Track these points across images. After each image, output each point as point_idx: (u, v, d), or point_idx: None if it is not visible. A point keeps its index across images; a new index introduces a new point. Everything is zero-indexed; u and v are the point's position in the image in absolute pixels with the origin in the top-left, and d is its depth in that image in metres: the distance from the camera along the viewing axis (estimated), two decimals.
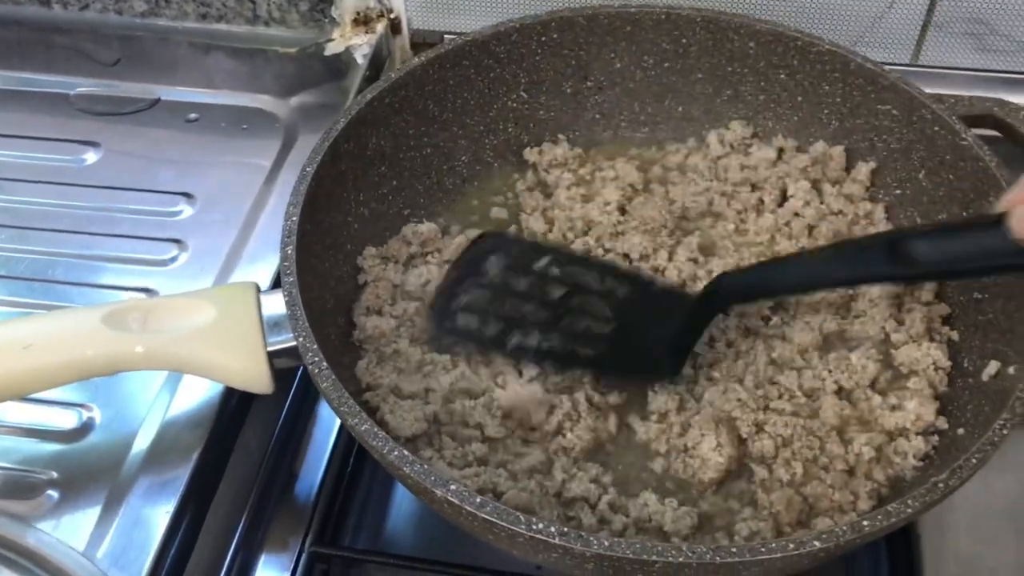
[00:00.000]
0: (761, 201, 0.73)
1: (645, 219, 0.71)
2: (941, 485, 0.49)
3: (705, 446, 0.59)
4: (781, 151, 0.76)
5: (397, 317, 0.67)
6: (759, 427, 0.60)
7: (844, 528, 0.47)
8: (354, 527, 0.66)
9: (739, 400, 0.61)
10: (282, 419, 0.69)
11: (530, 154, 0.77)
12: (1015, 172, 0.64)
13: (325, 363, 0.54)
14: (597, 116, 0.79)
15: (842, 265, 0.59)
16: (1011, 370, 0.57)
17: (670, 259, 0.70)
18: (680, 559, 0.47)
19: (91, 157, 0.81)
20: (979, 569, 0.62)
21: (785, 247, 0.70)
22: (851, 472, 0.59)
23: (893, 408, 0.61)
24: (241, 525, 0.64)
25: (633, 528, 0.57)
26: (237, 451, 0.64)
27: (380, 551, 0.65)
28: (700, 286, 0.67)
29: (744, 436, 0.60)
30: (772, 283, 0.62)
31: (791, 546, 0.47)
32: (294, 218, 0.61)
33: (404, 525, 0.67)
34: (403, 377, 0.63)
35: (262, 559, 0.63)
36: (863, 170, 0.73)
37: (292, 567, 0.62)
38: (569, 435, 0.60)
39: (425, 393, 0.63)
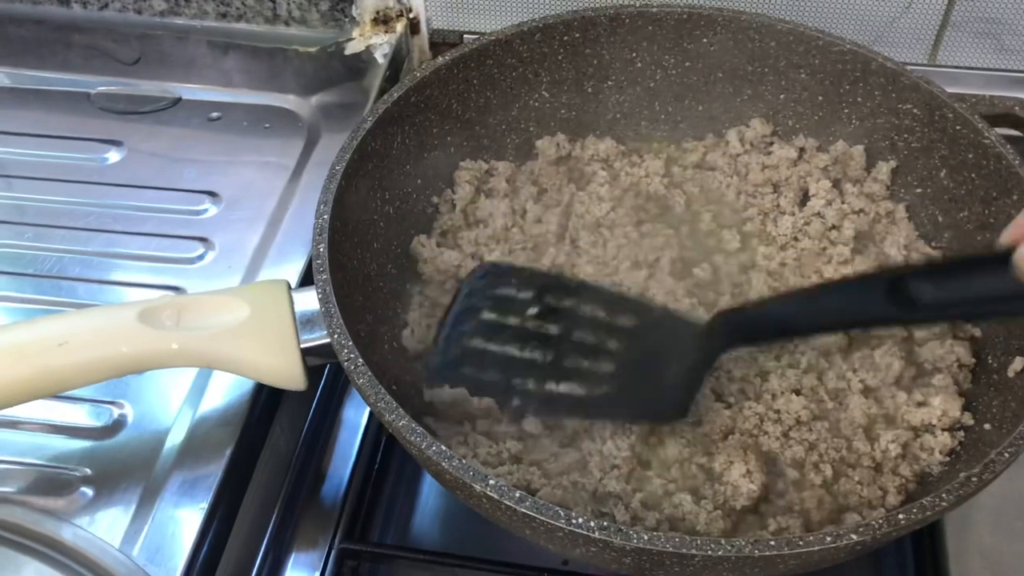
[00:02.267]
0: (779, 203, 0.73)
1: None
2: (975, 479, 0.50)
3: (735, 473, 0.58)
4: (802, 150, 0.76)
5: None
6: (786, 436, 0.61)
7: (880, 521, 0.48)
8: (382, 523, 0.66)
9: (759, 416, 0.62)
10: (310, 416, 0.69)
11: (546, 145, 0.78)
12: None
13: (361, 359, 0.54)
14: (618, 115, 0.80)
15: (840, 307, 0.56)
16: None
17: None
18: (719, 552, 0.47)
19: (114, 156, 0.81)
20: (1004, 562, 0.63)
21: (807, 246, 0.71)
22: (878, 469, 0.60)
23: (919, 404, 0.62)
24: (272, 522, 0.64)
25: (667, 524, 0.57)
26: (267, 449, 0.65)
27: (409, 547, 0.65)
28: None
29: (773, 451, 0.60)
30: (768, 326, 0.59)
31: (828, 539, 0.47)
32: (325, 216, 0.61)
33: (431, 521, 0.67)
34: None
35: (293, 555, 0.64)
36: (884, 169, 0.73)
37: (323, 563, 0.63)
38: (608, 443, 0.61)
39: None
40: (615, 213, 0.73)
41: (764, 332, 0.60)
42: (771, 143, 0.77)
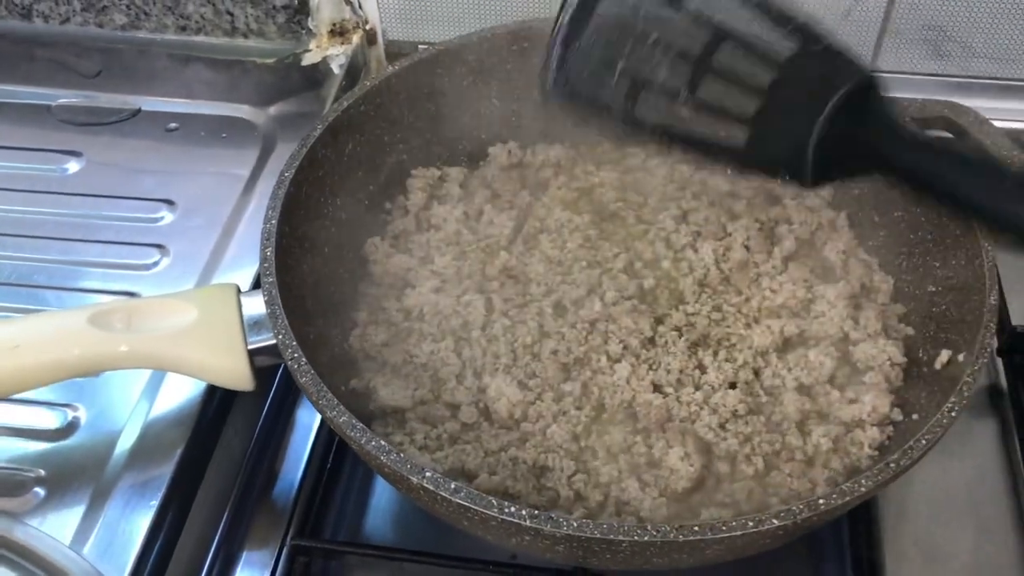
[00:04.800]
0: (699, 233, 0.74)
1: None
2: (892, 465, 0.52)
3: (673, 457, 0.60)
4: None
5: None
6: (722, 427, 0.63)
7: (801, 507, 0.50)
8: (334, 521, 0.67)
9: (697, 405, 0.64)
10: (263, 417, 0.71)
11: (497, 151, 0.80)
12: None
13: (304, 359, 0.56)
14: (567, 122, 0.81)
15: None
16: (960, 357, 0.60)
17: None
18: (645, 538, 0.49)
19: (73, 166, 0.83)
20: (938, 551, 0.65)
21: (741, 257, 0.72)
22: (810, 463, 0.62)
23: (851, 402, 0.64)
24: (224, 520, 0.65)
25: (613, 506, 0.59)
26: (219, 449, 0.66)
27: (359, 543, 0.66)
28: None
29: (709, 441, 0.62)
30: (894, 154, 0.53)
31: (751, 524, 0.49)
32: (273, 221, 0.63)
33: (382, 518, 0.68)
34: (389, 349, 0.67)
35: (245, 552, 0.65)
36: (826, 186, 0.75)
37: (274, 560, 0.64)
38: (553, 427, 0.63)
39: (411, 359, 0.66)
40: (578, 218, 0.75)
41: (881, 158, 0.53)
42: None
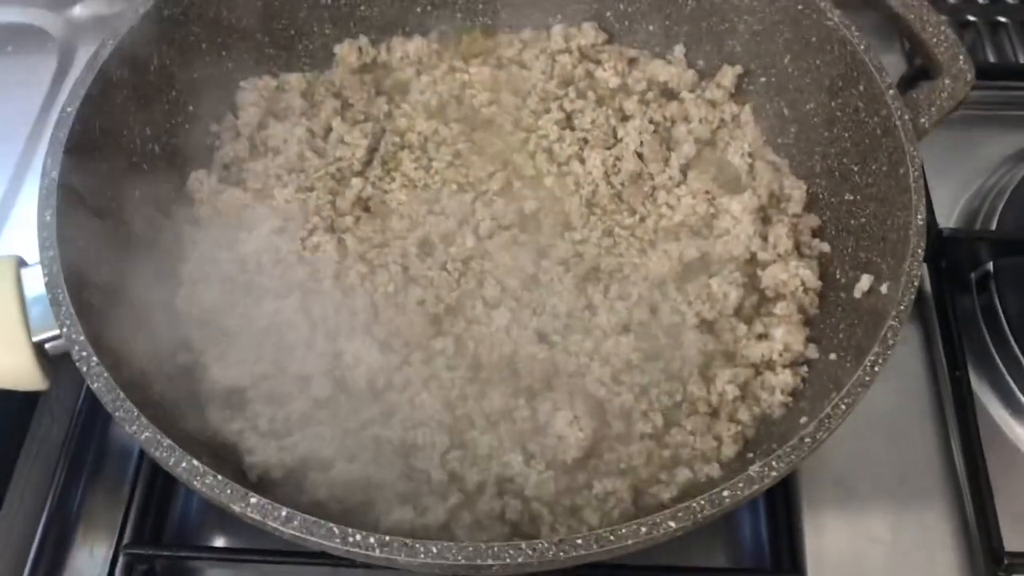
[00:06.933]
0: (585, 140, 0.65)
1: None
2: (808, 440, 0.45)
3: (561, 421, 0.52)
4: (632, 61, 0.68)
5: None
6: (615, 380, 0.54)
7: (702, 503, 0.42)
8: (179, 517, 0.58)
9: (587, 355, 0.55)
10: (81, 401, 0.59)
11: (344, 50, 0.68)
12: (884, 45, 0.58)
13: (95, 358, 0.46)
14: (428, 7, 0.70)
15: None
16: (884, 288, 0.52)
17: None
18: (519, 559, 0.41)
19: None
20: (856, 493, 0.58)
21: (633, 168, 0.62)
22: (714, 415, 0.54)
23: (760, 337, 0.57)
24: (41, 526, 0.55)
25: (494, 488, 0.51)
26: (30, 444, 0.56)
27: (205, 546, 0.57)
28: None
29: (601, 397, 0.54)
30: None
31: (643, 530, 0.42)
32: (53, 174, 0.51)
33: None
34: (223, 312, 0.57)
35: (71, 560, 0.56)
36: (728, 74, 0.66)
37: (107, 569, 0.55)
38: (423, 395, 0.54)
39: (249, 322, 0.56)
40: (446, 129, 0.65)
41: None
42: (601, 51, 0.68)
